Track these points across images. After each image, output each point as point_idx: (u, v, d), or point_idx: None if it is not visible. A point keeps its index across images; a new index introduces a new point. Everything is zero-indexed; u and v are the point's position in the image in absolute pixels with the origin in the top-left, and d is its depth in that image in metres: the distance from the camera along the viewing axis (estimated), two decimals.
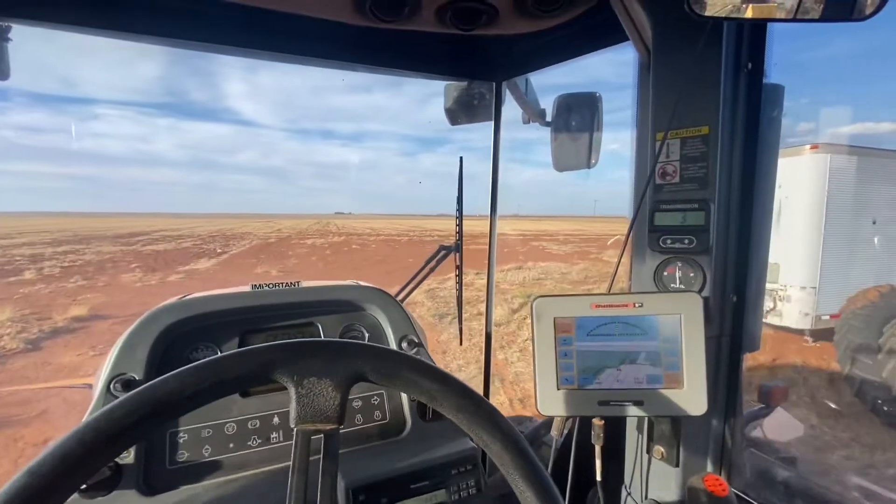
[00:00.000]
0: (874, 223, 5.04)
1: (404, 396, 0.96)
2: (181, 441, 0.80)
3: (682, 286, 0.82)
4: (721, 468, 0.97)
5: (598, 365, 0.76)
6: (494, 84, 1.40)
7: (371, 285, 1.03)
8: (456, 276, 1.36)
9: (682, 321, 0.73)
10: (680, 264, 0.81)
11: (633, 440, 1.02)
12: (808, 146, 4.93)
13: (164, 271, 14.10)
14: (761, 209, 0.86)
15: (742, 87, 0.84)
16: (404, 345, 0.99)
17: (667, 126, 0.81)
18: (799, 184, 4.89)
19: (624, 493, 1.05)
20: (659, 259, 0.83)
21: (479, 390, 0.59)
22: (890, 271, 4.98)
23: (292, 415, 0.41)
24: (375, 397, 0.96)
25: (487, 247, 1.45)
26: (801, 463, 1.34)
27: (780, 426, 1.78)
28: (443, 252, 1.33)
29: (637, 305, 0.74)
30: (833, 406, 3.86)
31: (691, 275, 0.80)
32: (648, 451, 0.98)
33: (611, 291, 0.80)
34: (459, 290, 1.30)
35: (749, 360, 0.99)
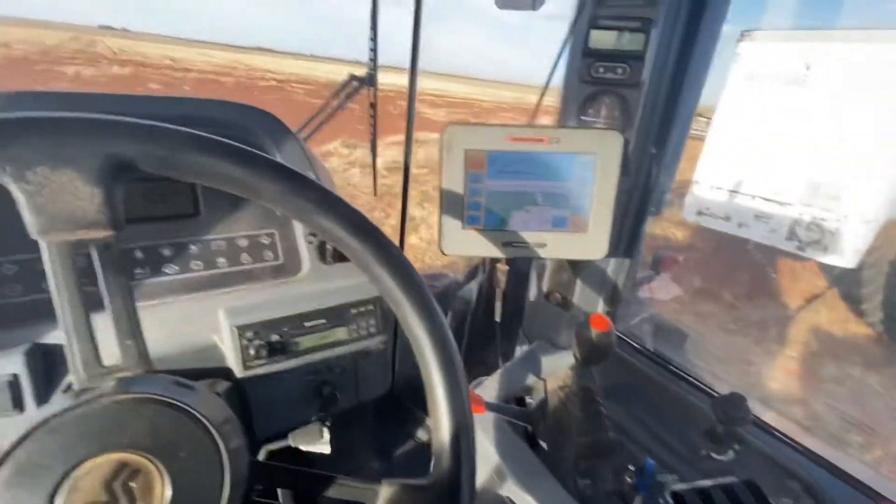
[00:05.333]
0: None
1: (300, 235, 0.86)
2: None
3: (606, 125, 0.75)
4: (609, 313, 1.05)
5: (506, 205, 0.70)
6: None
7: (254, 106, 0.84)
8: (371, 122, 1.19)
9: (596, 161, 0.67)
10: (607, 100, 0.73)
11: (533, 285, 1.06)
12: None
13: None
14: (704, 45, 0.77)
15: None
16: None
17: None
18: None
19: (521, 335, 1.13)
20: (587, 91, 0.74)
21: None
22: None
23: (28, 221, 0.28)
24: (265, 236, 0.85)
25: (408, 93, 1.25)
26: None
27: (663, 288, 2.03)
28: (354, 83, 1.13)
29: (554, 141, 0.66)
30: None
31: (616, 113, 0.73)
32: (547, 297, 1.03)
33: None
34: (374, 132, 1.14)
35: None
